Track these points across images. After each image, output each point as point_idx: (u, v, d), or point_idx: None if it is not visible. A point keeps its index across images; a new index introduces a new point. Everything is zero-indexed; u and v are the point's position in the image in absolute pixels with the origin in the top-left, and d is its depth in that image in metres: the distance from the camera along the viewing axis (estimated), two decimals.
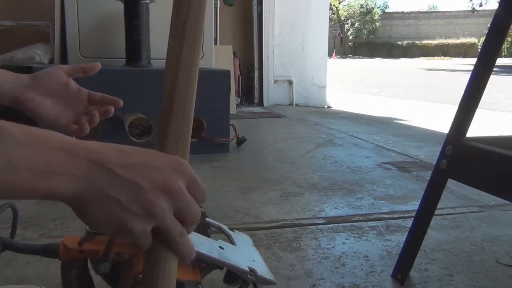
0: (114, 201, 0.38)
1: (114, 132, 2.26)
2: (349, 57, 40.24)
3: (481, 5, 36.70)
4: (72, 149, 0.38)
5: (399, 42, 43.78)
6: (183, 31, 0.49)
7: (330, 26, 28.67)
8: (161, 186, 0.40)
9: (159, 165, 0.41)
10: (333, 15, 45.91)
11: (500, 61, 19.51)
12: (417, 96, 7.30)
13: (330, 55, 31.75)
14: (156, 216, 0.40)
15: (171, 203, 0.40)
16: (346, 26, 48.01)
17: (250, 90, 4.98)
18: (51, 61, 2.95)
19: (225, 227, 0.93)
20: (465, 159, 0.93)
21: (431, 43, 42.58)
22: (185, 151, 0.48)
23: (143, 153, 0.42)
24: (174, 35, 0.49)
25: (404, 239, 1.08)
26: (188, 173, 0.43)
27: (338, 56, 39.23)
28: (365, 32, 46.95)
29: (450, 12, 46.66)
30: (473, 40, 41.15)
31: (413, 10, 50.24)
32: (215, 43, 3.69)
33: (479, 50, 0.94)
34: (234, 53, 4.39)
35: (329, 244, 1.29)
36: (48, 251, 0.66)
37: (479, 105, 0.93)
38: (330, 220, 1.49)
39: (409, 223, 1.36)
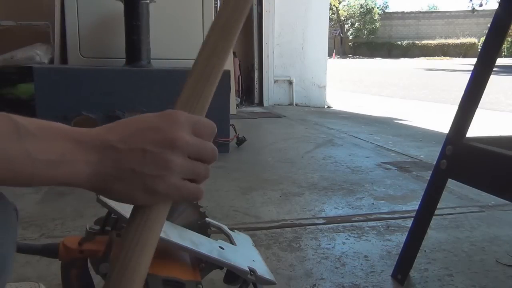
0: (128, 172, 0.41)
1: None
2: (349, 57, 40.23)
3: (481, 5, 36.70)
4: (78, 138, 0.40)
5: (399, 42, 43.77)
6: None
7: (330, 26, 28.66)
8: (164, 142, 0.42)
9: (155, 125, 0.43)
10: (333, 15, 45.90)
11: (500, 61, 19.50)
12: (417, 96, 7.30)
13: (330, 55, 31.74)
14: (171, 169, 0.42)
15: (181, 152, 0.43)
16: (346, 26, 48.00)
17: (250, 90, 4.98)
18: (51, 61, 2.95)
19: (225, 227, 0.93)
20: (465, 159, 0.93)
21: (431, 43, 42.57)
22: (202, 108, 0.50)
23: (137, 119, 0.44)
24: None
25: (404, 239, 1.08)
26: (187, 120, 0.44)
27: (338, 56, 39.22)
28: (365, 32, 46.94)
29: (450, 12, 46.64)
30: (473, 40, 41.14)
31: (413, 10, 50.24)
32: None
33: (479, 50, 0.94)
34: (234, 53, 4.39)
35: (329, 244, 1.29)
36: (48, 251, 0.66)
37: (479, 105, 0.93)
38: (330, 220, 1.49)
39: (409, 223, 1.36)
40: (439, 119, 4.14)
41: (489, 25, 0.91)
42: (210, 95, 0.50)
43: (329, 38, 5.57)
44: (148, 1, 2.43)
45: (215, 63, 0.52)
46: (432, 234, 1.37)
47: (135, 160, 0.41)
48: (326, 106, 5.14)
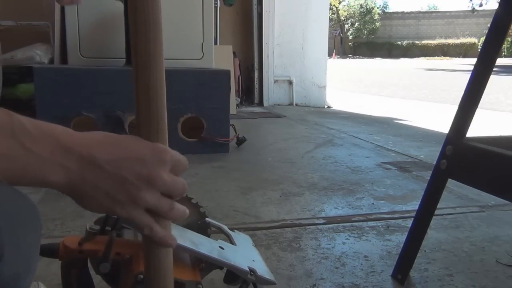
0: (103, 192, 0.44)
1: (114, 132, 2.26)
2: (349, 57, 40.23)
3: (481, 5, 36.72)
4: (67, 144, 0.43)
5: (399, 42, 43.78)
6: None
7: (330, 26, 28.64)
8: (144, 177, 0.45)
9: (143, 157, 0.46)
10: (333, 15, 45.91)
11: (500, 61, 19.50)
12: (417, 96, 7.30)
13: (330, 55, 31.75)
14: (139, 204, 0.45)
15: (156, 190, 0.46)
16: (346, 26, 48.01)
17: (250, 90, 4.98)
18: (51, 61, 2.95)
19: (225, 227, 0.93)
20: (465, 159, 0.93)
21: (431, 43, 42.58)
22: (165, 138, 0.51)
23: (129, 145, 0.47)
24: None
25: (404, 239, 1.08)
26: (170, 159, 0.47)
27: (338, 56, 39.23)
28: (365, 32, 46.96)
29: (450, 12, 46.66)
30: (473, 40, 41.15)
31: (413, 10, 50.24)
32: (215, 43, 3.69)
33: (479, 50, 0.94)
34: (234, 53, 4.39)
35: (329, 244, 1.29)
36: (48, 251, 0.66)
37: (479, 105, 0.93)
38: (330, 220, 1.49)
39: (409, 223, 1.36)
40: (439, 119, 4.15)
41: (489, 25, 0.91)
42: (165, 116, 0.52)
43: (329, 38, 5.57)
44: None
45: (157, 80, 0.55)
46: (432, 234, 1.37)
47: (113, 185, 0.44)
48: (326, 106, 5.14)
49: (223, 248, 0.77)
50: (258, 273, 0.77)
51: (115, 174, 0.44)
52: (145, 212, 0.46)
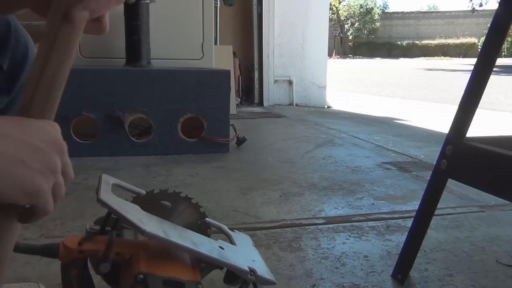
0: (18, 161, 0.40)
1: (114, 132, 2.26)
2: (349, 57, 40.23)
3: (481, 5, 36.69)
4: None
5: (399, 42, 43.79)
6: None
7: (330, 26, 28.67)
8: (54, 144, 0.44)
9: (45, 127, 0.45)
10: (333, 15, 45.91)
11: (500, 61, 19.51)
12: (417, 96, 7.30)
13: (330, 55, 31.75)
14: (56, 172, 0.44)
15: (63, 162, 0.45)
16: (346, 26, 48.01)
17: (250, 90, 4.98)
18: None
19: (225, 227, 0.93)
20: (465, 159, 0.93)
21: (431, 43, 42.58)
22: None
23: (28, 120, 0.45)
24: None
25: (404, 239, 1.08)
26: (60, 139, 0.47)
27: (338, 56, 39.23)
28: (365, 32, 46.96)
29: (450, 12, 46.66)
30: (473, 40, 41.16)
31: (413, 10, 50.24)
32: (215, 43, 3.69)
33: (479, 50, 0.94)
34: (234, 53, 4.39)
35: (329, 244, 1.29)
36: (48, 251, 0.66)
37: (479, 105, 0.93)
38: (330, 220, 1.49)
39: (409, 223, 1.36)
40: (439, 119, 4.15)
41: (489, 25, 0.91)
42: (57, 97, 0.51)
43: (329, 38, 5.57)
44: (148, 1, 2.43)
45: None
46: (432, 234, 1.37)
47: (26, 152, 0.41)
48: (326, 106, 5.15)
49: (223, 248, 0.77)
50: (258, 273, 0.77)
51: (25, 142, 0.42)
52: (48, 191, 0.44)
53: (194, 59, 2.66)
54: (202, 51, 2.70)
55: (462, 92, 0.94)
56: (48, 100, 0.49)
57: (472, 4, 37.35)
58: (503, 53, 33.88)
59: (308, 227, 1.42)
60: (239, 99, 4.61)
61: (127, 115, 2.28)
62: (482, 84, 0.91)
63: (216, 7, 4.23)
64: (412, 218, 1.08)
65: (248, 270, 0.76)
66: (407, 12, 47.87)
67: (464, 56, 38.33)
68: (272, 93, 4.94)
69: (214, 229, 0.89)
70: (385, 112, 4.91)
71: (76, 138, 2.23)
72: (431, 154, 2.55)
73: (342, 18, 48.14)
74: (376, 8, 48.69)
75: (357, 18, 47.47)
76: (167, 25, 2.65)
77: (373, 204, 1.67)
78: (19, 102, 0.47)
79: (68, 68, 0.51)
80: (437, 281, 1.09)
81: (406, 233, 1.07)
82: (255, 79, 4.91)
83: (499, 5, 0.90)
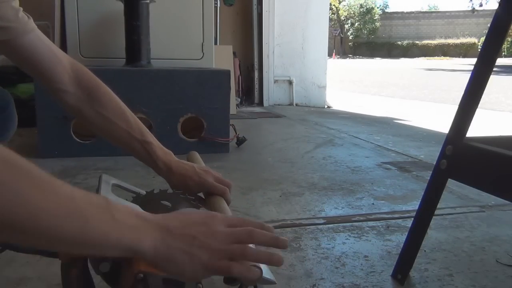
0: (182, 252, 0.54)
1: None
2: (349, 57, 40.23)
3: (481, 5, 36.70)
4: (147, 218, 0.54)
5: (399, 42, 43.79)
6: None
7: (330, 26, 28.65)
8: (207, 233, 0.56)
9: (202, 220, 0.57)
10: (333, 15, 45.92)
11: (500, 61, 19.50)
12: (417, 96, 7.30)
13: (330, 55, 31.74)
14: (214, 253, 0.55)
15: (221, 240, 0.56)
16: (346, 26, 48.01)
17: (250, 90, 4.98)
18: None
19: None
20: (465, 159, 0.93)
21: (431, 43, 42.58)
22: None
23: (188, 213, 0.60)
24: None
25: (404, 239, 1.08)
26: (221, 218, 0.59)
27: (338, 56, 39.22)
28: (365, 32, 46.96)
29: (450, 12, 46.67)
30: (473, 40, 41.16)
31: (413, 10, 50.24)
32: (215, 43, 3.69)
33: (479, 50, 0.94)
34: (234, 53, 4.39)
35: (329, 244, 1.29)
36: (48, 251, 0.66)
37: (479, 105, 0.93)
38: (330, 220, 1.49)
39: (409, 223, 1.36)
40: (439, 119, 4.15)
41: (489, 25, 0.91)
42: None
43: (329, 38, 5.57)
44: (148, 1, 2.43)
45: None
46: (432, 234, 1.37)
47: (186, 243, 0.54)
48: (326, 106, 5.15)
49: None
50: None
51: (186, 235, 0.54)
52: (222, 259, 0.55)
53: (194, 59, 2.66)
54: (202, 51, 2.70)
55: (462, 92, 0.94)
56: None
57: (472, 4, 37.36)
58: (503, 53, 33.88)
59: (308, 227, 1.42)
60: (239, 99, 4.61)
61: None
62: (482, 84, 0.91)
63: (216, 7, 4.23)
64: (412, 218, 1.07)
65: None
66: (407, 12, 47.86)
67: (464, 56, 38.34)
68: (272, 93, 4.94)
69: None
70: (385, 112, 4.91)
71: (76, 138, 2.23)
72: (431, 154, 2.55)
73: (342, 18, 48.13)
74: (376, 8, 48.70)
75: (357, 18, 47.47)
76: (167, 25, 2.65)
77: (373, 204, 1.67)
78: None
79: None
80: (437, 281, 1.09)
81: (406, 233, 1.07)
82: (255, 79, 4.91)
83: (499, 5, 0.89)
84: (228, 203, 0.86)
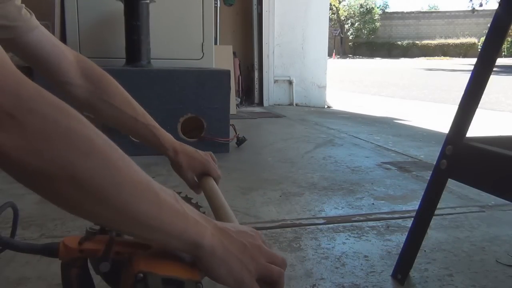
0: (233, 256, 0.55)
1: (114, 132, 2.26)
2: (349, 57, 40.24)
3: (481, 5, 36.71)
4: (207, 218, 0.57)
5: (399, 42, 43.79)
6: None
7: (330, 26, 28.66)
8: (256, 246, 0.58)
9: (251, 232, 0.60)
10: (333, 15, 45.93)
11: (500, 61, 19.51)
12: (417, 96, 7.30)
13: (330, 55, 31.76)
14: (260, 267, 0.57)
15: (263, 256, 0.58)
16: (346, 26, 48.02)
17: (250, 90, 4.99)
18: None
19: None
20: (465, 159, 0.93)
21: (431, 43, 42.59)
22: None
23: (241, 227, 0.62)
24: None
25: (404, 239, 1.08)
26: (261, 235, 0.63)
27: (338, 56, 39.23)
28: (365, 32, 46.96)
29: (450, 12, 46.67)
30: (473, 40, 41.17)
31: (413, 10, 50.25)
32: (215, 43, 3.70)
33: (479, 50, 0.94)
34: (234, 53, 4.39)
35: (329, 244, 1.29)
36: (48, 251, 0.66)
37: (479, 105, 0.93)
38: (330, 220, 1.49)
39: (409, 223, 1.36)
40: (439, 119, 4.15)
41: (489, 25, 0.91)
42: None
43: (329, 38, 5.57)
44: (148, 1, 2.43)
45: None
46: (432, 234, 1.37)
47: (239, 249, 0.56)
48: (326, 106, 5.15)
49: None
50: None
51: (239, 241, 0.56)
52: (263, 274, 0.57)
53: (194, 59, 2.67)
54: (202, 51, 2.70)
55: (462, 92, 0.94)
56: None
57: (472, 4, 37.37)
58: (503, 53, 33.89)
59: (308, 227, 1.42)
60: (239, 99, 4.61)
61: None
62: (482, 84, 0.91)
63: (216, 7, 4.23)
64: (412, 218, 1.07)
65: None
66: (407, 12, 47.87)
67: (464, 56, 38.35)
68: (272, 93, 4.94)
69: None
70: (385, 112, 4.91)
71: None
72: (431, 154, 2.55)
73: (342, 18, 48.14)
74: (376, 8, 48.70)
75: (357, 18, 47.47)
76: (167, 25, 2.65)
77: (373, 204, 1.67)
78: None
79: None
80: (437, 281, 1.09)
81: (406, 233, 1.07)
82: (255, 79, 4.91)
83: (499, 5, 0.89)
84: (217, 183, 0.96)
